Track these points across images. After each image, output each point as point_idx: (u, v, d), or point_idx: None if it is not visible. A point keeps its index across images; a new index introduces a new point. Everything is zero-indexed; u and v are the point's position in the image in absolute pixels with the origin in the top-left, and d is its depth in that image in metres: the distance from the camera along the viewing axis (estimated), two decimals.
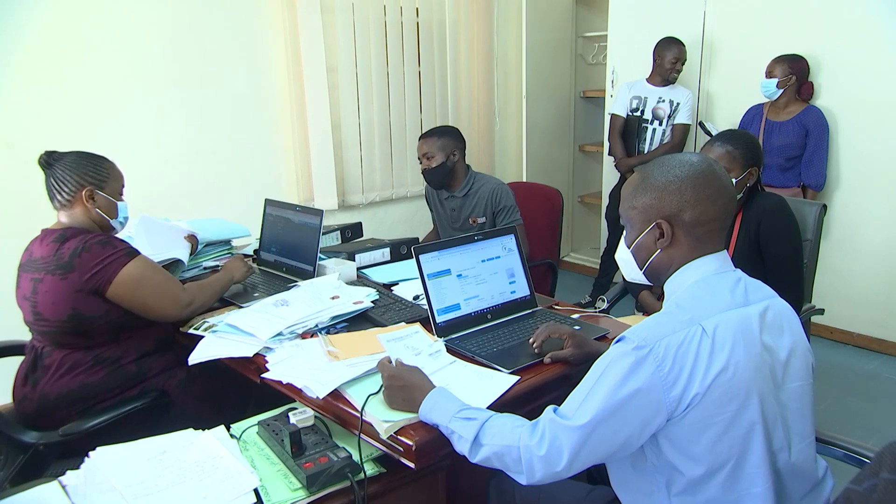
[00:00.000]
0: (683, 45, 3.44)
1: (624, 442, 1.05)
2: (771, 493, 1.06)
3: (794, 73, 3.13)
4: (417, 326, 1.62)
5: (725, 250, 1.18)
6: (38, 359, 1.72)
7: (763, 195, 2.04)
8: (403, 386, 1.28)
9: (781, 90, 3.14)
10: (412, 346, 1.48)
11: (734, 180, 1.91)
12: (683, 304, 1.10)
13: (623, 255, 1.26)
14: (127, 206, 1.82)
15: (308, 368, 1.46)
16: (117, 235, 1.80)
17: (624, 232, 1.26)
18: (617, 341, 1.08)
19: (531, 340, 1.54)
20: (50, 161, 1.71)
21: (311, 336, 1.65)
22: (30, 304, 1.69)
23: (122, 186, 1.81)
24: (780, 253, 1.97)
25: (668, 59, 3.44)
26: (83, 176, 1.71)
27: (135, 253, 1.71)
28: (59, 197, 1.71)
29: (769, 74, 3.15)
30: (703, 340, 1.03)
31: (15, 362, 1.81)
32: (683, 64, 3.47)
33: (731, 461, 1.04)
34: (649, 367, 1.02)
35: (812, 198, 3.17)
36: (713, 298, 1.10)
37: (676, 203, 1.12)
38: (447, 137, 2.59)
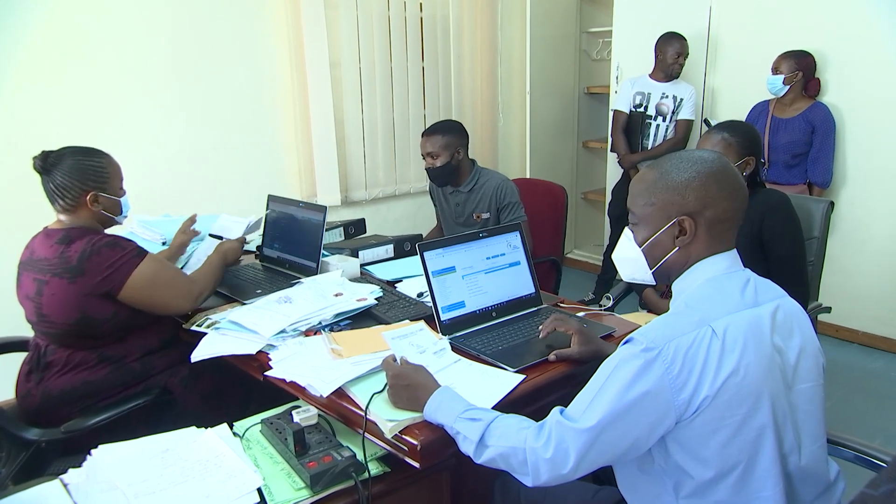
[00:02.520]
0: (685, 40, 3.41)
1: (632, 444, 1.04)
2: (781, 496, 1.04)
3: (800, 69, 3.10)
4: (422, 324, 1.60)
5: (735, 249, 1.16)
6: (41, 356, 1.71)
7: (766, 192, 2.02)
8: (408, 385, 1.27)
9: (788, 87, 3.11)
10: (417, 343, 1.47)
11: None
12: (693, 304, 1.09)
13: (625, 255, 1.22)
14: (128, 198, 1.81)
15: (312, 366, 1.45)
16: (119, 232, 1.79)
17: (625, 231, 1.23)
18: (625, 342, 1.07)
19: (539, 331, 1.53)
20: (46, 165, 1.65)
21: (315, 333, 1.64)
22: (33, 304, 1.67)
23: (122, 180, 1.79)
24: (783, 252, 1.95)
25: (670, 54, 3.42)
26: (85, 181, 1.68)
27: (143, 252, 1.70)
28: (61, 202, 1.68)
29: (775, 70, 3.12)
30: (713, 342, 1.01)
31: (16, 358, 1.80)
32: (686, 58, 3.44)
33: (741, 464, 1.03)
34: (658, 370, 1.00)
35: (818, 195, 3.15)
36: (723, 299, 1.08)
37: (701, 200, 1.10)
38: (451, 135, 2.56)
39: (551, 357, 1.47)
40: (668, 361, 1.00)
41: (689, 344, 1.01)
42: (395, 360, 1.34)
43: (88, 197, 1.68)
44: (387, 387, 1.30)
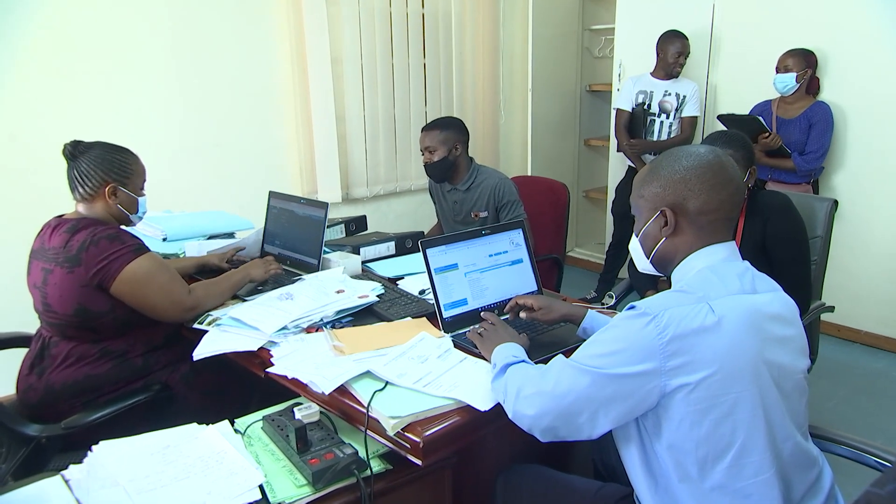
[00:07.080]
0: (686, 39, 3.40)
1: (609, 397, 1.07)
2: (776, 479, 1.05)
3: (809, 66, 3.09)
4: (423, 333, 1.57)
5: (733, 241, 1.17)
6: (45, 348, 1.71)
7: (768, 193, 2.01)
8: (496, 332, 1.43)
9: (798, 84, 3.09)
10: (417, 355, 1.45)
11: None
12: (692, 286, 1.11)
13: (632, 246, 1.28)
14: (146, 200, 1.81)
15: (313, 363, 1.44)
16: (130, 229, 1.76)
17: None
18: (628, 309, 1.10)
19: (505, 310, 1.61)
20: (75, 153, 1.68)
21: (316, 330, 1.64)
22: (40, 293, 1.68)
23: (144, 181, 1.80)
24: (787, 252, 1.95)
25: (671, 53, 3.41)
26: (108, 172, 1.69)
27: (143, 250, 1.68)
28: (80, 190, 1.69)
29: (785, 69, 3.07)
30: (709, 317, 1.03)
31: (16, 354, 1.80)
32: (687, 58, 3.43)
33: (734, 447, 1.04)
34: (651, 332, 1.03)
35: (802, 188, 3.12)
36: (722, 282, 1.10)
37: (681, 192, 1.14)
38: (450, 130, 2.56)
39: (523, 315, 1.55)
40: (661, 327, 1.03)
41: (683, 315, 1.03)
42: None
43: (107, 189, 1.69)
44: (477, 331, 1.47)
